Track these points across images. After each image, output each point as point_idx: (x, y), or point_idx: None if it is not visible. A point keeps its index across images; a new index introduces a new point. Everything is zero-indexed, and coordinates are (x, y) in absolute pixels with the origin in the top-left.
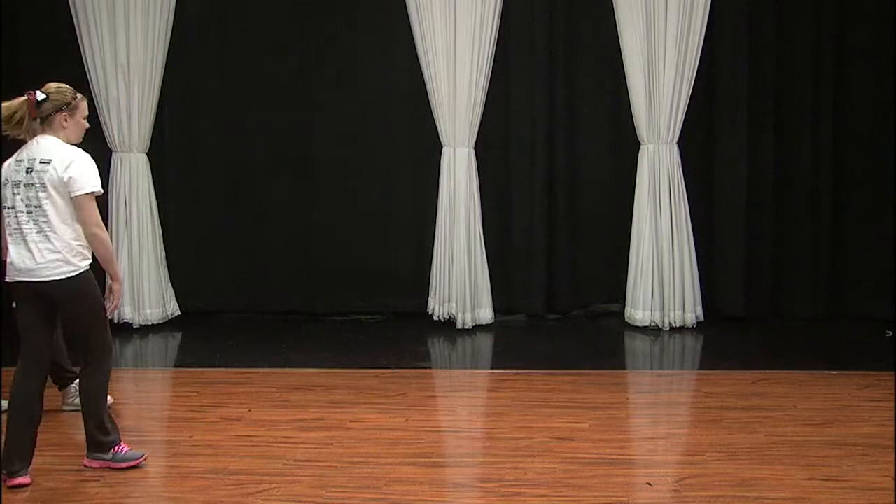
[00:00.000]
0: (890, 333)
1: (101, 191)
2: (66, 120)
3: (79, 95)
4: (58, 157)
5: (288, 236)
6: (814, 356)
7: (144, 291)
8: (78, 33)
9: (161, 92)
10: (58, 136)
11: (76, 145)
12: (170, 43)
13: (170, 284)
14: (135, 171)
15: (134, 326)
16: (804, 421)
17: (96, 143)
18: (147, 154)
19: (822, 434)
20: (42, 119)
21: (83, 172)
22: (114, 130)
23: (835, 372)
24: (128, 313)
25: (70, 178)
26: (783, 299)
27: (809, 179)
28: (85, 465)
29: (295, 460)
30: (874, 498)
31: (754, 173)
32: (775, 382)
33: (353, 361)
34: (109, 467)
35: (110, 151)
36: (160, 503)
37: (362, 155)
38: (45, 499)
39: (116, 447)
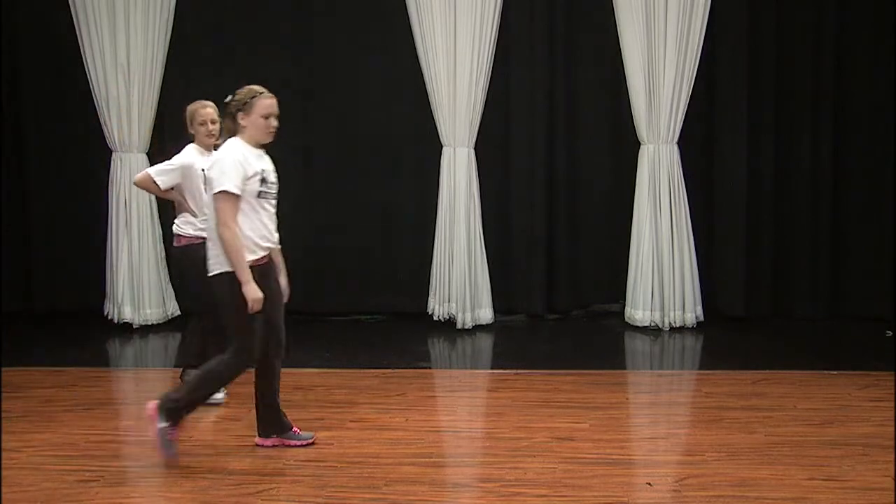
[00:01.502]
0: (890, 333)
1: (234, 191)
2: (243, 119)
3: (258, 94)
4: (213, 157)
5: (288, 236)
6: (814, 356)
7: (144, 291)
8: (78, 33)
9: (161, 92)
10: (242, 137)
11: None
12: (170, 43)
13: (170, 284)
14: (135, 171)
15: (134, 326)
16: (804, 421)
17: (96, 144)
18: (147, 154)
19: (822, 434)
20: (232, 119)
21: (218, 173)
22: (114, 130)
23: (835, 372)
24: (128, 313)
25: (209, 177)
26: (783, 299)
27: (809, 179)
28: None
29: (295, 460)
30: (874, 498)
31: (754, 173)
32: (775, 382)
33: (353, 361)
34: (155, 440)
35: (110, 151)
36: (160, 503)
37: (362, 155)
38: (45, 499)
39: (170, 430)
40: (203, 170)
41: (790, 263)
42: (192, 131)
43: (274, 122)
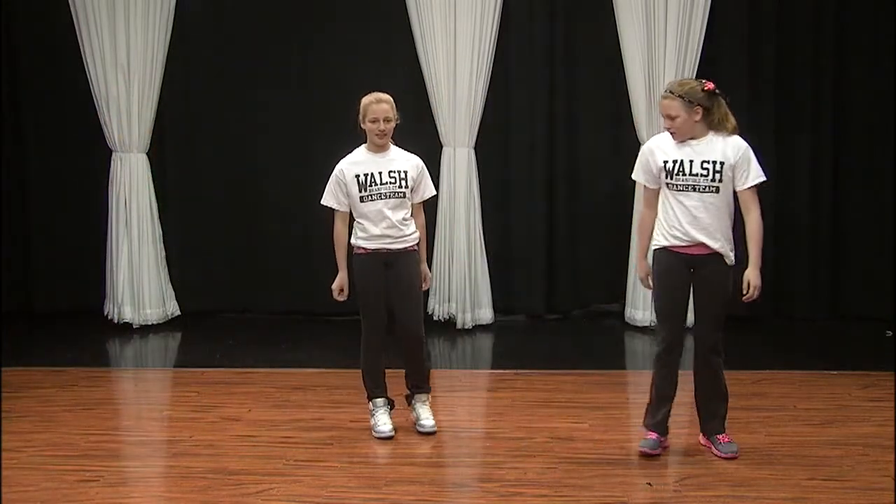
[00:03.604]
0: (890, 333)
1: (634, 178)
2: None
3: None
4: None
5: (288, 236)
6: (814, 356)
7: (144, 291)
8: (78, 33)
9: (161, 92)
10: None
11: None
12: (170, 43)
13: (170, 284)
14: (135, 171)
15: (134, 326)
16: (804, 421)
17: (96, 144)
18: (147, 154)
19: (822, 434)
20: None
21: None
22: (114, 130)
23: (835, 372)
24: (128, 313)
25: None
26: (783, 299)
27: (809, 180)
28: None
29: (295, 460)
30: (874, 498)
31: None
32: (775, 382)
33: (354, 361)
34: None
35: (110, 151)
36: (160, 503)
37: None
38: (45, 499)
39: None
40: (366, 175)
41: (790, 263)
42: (364, 127)
43: (665, 123)
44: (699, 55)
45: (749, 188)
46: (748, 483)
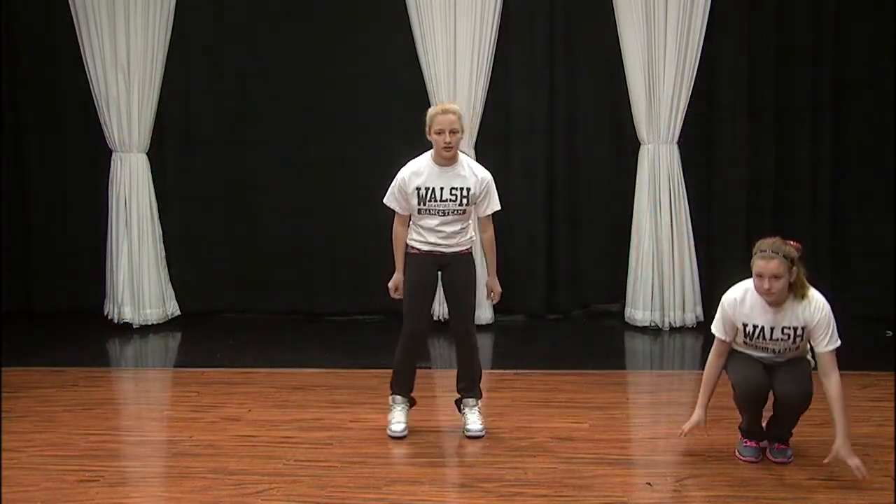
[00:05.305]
0: (890, 333)
1: None
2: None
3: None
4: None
5: (288, 236)
6: (814, 356)
7: (144, 291)
8: (78, 33)
9: (161, 92)
10: None
11: None
12: (170, 43)
13: (170, 284)
14: (135, 171)
15: (134, 326)
16: (804, 421)
17: (96, 144)
18: (147, 154)
19: (822, 434)
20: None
21: None
22: (114, 130)
23: None
24: (128, 313)
25: None
26: None
27: (809, 180)
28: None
29: (295, 460)
30: (874, 498)
31: (754, 174)
32: None
33: (353, 361)
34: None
35: (110, 151)
36: (160, 503)
37: (362, 155)
38: (45, 499)
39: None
40: (427, 189)
41: None
42: (429, 139)
43: (764, 284)
44: (699, 55)
45: (829, 352)
46: (748, 483)
